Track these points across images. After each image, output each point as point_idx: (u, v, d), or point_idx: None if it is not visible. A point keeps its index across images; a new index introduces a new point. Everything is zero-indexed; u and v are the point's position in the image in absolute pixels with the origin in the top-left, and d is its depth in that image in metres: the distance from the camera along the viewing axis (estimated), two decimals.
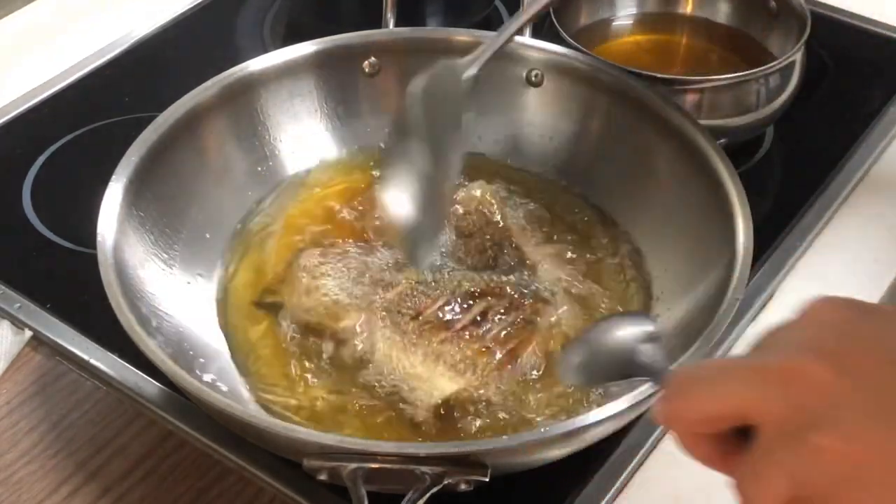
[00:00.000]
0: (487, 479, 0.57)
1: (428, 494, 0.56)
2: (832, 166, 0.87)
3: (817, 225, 0.82)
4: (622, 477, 0.66)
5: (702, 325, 0.63)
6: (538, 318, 0.71)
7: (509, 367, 0.68)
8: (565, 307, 0.72)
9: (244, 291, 0.75)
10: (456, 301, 0.71)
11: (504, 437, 0.64)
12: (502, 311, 0.71)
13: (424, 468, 0.56)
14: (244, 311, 0.73)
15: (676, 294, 0.72)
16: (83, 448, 0.69)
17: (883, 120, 0.91)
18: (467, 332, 0.69)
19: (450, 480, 0.56)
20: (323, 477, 0.58)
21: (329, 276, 0.73)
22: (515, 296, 0.72)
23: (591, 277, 0.75)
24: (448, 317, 0.70)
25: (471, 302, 0.71)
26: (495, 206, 0.78)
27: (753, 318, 0.76)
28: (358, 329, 0.70)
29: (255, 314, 0.73)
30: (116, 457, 0.68)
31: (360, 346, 0.69)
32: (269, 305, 0.73)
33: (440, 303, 0.71)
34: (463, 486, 0.57)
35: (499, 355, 0.68)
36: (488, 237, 0.76)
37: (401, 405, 0.67)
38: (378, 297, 0.71)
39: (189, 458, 0.68)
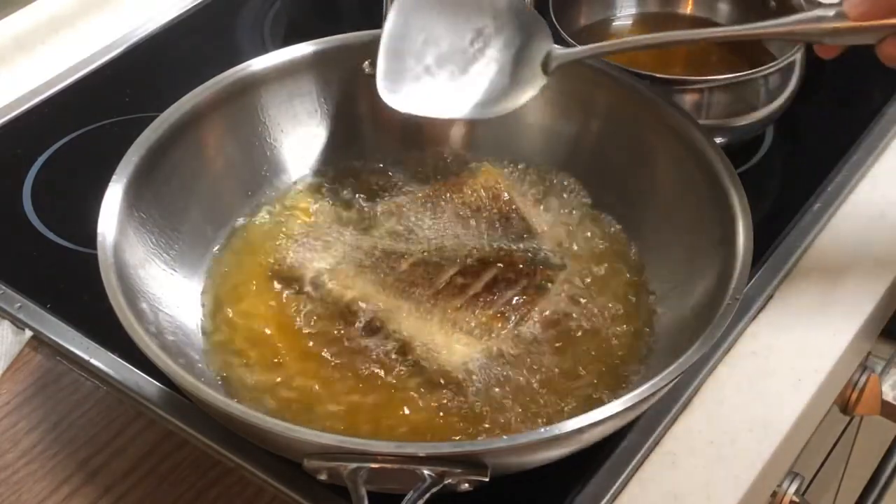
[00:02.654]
0: (487, 479, 0.57)
1: (428, 494, 0.56)
2: (832, 166, 0.87)
3: (817, 225, 0.82)
4: (622, 477, 0.66)
5: (702, 325, 0.63)
6: (549, 284, 0.73)
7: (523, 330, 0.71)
8: (574, 270, 0.75)
9: (244, 291, 0.75)
10: (468, 269, 0.74)
11: (504, 437, 0.64)
12: (513, 277, 0.74)
13: (424, 468, 0.56)
14: (244, 310, 0.74)
15: (676, 294, 0.72)
16: (83, 448, 0.69)
17: (883, 120, 0.91)
18: (481, 299, 0.72)
19: (450, 480, 0.56)
20: (323, 477, 0.58)
21: (339, 253, 0.75)
22: (525, 262, 0.74)
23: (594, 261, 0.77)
24: (461, 285, 0.73)
25: (481, 271, 0.74)
26: (501, 184, 0.79)
27: (753, 318, 0.76)
28: (374, 301, 0.71)
29: (256, 313, 0.73)
30: (116, 457, 0.68)
31: (376, 318, 0.71)
32: (284, 279, 0.75)
33: (452, 271, 0.74)
34: (463, 486, 0.57)
35: (513, 320, 0.71)
36: (496, 211, 0.78)
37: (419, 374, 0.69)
38: (391, 268, 0.74)
39: (189, 458, 0.68)
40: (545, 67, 0.76)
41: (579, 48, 0.77)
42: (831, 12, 0.68)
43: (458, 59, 0.77)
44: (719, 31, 0.78)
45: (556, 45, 0.76)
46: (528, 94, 0.76)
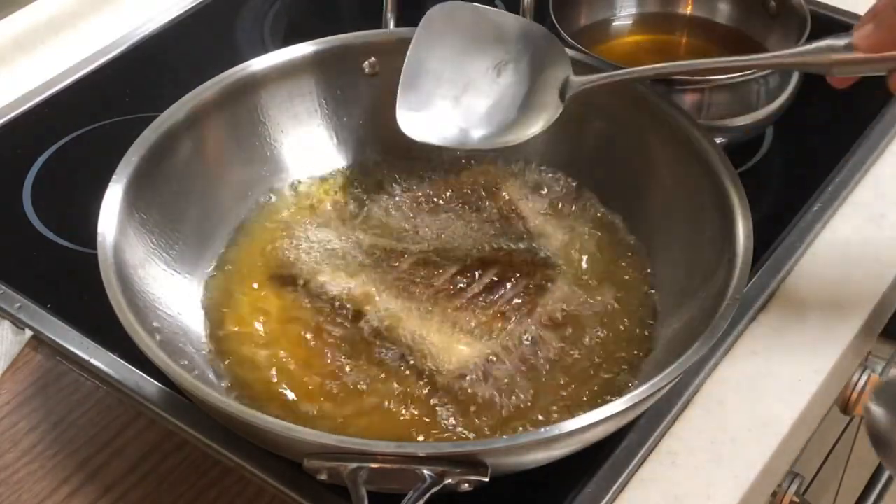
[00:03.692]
0: (487, 479, 0.57)
1: (428, 494, 0.56)
2: (832, 166, 0.87)
3: (817, 225, 0.82)
4: (622, 477, 0.66)
5: (702, 325, 0.63)
6: (549, 284, 0.73)
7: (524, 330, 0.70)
8: (574, 270, 0.75)
9: (245, 290, 0.75)
10: (468, 269, 0.74)
11: (504, 437, 0.64)
12: (513, 277, 0.74)
13: (424, 468, 0.56)
14: (245, 310, 0.73)
15: (676, 294, 0.72)
16: (83, 448, 0.69)
17: (883, 120, 0.91)
18: (481, 299, 0.72)
19: (450, 480, 0.56)
20: (323, 477, 0.58)
21: (339, 252, 0.75)
22: (525, 262, 0.74)
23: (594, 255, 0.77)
24: (461, 285, 0.73)
25: (481, 270, 0.74)
26: (501, 183, 0.80)
27: (753, 318, 0.76)
28: (375, 300, 0.72)
29: (256, 313, 0.73)
30: (116, 457, 0.68)
31: (376, 318, 0.71)
32: (284, 279, 0.75)
33: (452, 271, 0.74)
34: (463, 487, 0.57)
35: (513, 320, 0.71)
36: (496, 211, 0.78)
37: (419, 375, 0.68)
38: (391, 267, 0.74)
39: (189, 458, 0.68)
40: (562, 94, 0.76)
41: (597, 76, 0.76)
42: (842, 41, 0.67)
43: (477, 89, 0.77)
44: (729, 60, 0.77)
45: (574, 73, 0.76)
46: (545, 120, 0.76)
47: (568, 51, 0.81)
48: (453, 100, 0.77)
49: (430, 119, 0.76)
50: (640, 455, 0.67)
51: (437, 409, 0.67)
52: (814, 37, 0.84)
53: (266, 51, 0.84)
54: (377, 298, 0.72)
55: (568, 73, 0.76)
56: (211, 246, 0.77)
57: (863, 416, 0.60)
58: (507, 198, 0.78)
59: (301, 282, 0.74)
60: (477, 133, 0.76)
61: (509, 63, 0.77)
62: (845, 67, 0.67)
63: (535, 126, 0.76)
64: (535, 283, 0.74)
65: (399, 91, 0.77)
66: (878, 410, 0.59)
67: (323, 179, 0.83)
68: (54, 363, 0.74)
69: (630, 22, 0.96)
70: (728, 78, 0.81)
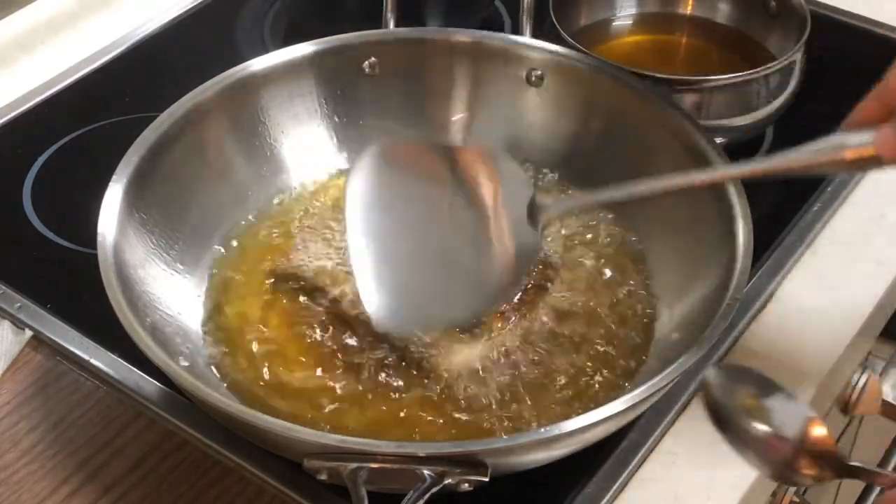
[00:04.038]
0: (487, 479, 0.57)
1: (428, 494, 0.56)
2: None
3: (817, 225, 0.82)
4: (622, 477, 0.66)
5: (702, 325, 0.63)
6: (549, 284, 0.73)
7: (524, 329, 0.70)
8: (574, 270, 0.75)
9: (245, 291, 0.75)
10: None
11: (504, 437, 0.64)
12: None
13: (424, 468, 0.56)
14: (245, 310, 0.73)
15: (676, 294, 0.72)
16: (83, 448, 0.69)
17: None
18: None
19: (450, 480, 0.56)
20: (323, 477, 0.58)
21: (339, 252, 0.75)
22: None
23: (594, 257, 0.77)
24: None
25: None
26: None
27: (753, 318, 0.76)
28: None
29: (256, 313, 0.73)
30: (116, 457, 0.68)
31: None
32: (284, 278, 0.74)
33: None
34: (463, 486, 0.57)
35: (513, 319, 0.70)
36: None
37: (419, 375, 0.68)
38: None
39: (189, 458, 0.68)
40: (532, 219, 0.67)
41: (570, 204, 0.68)
42: (854, 139, 0.60)
43: (438, 247, 0.67)
44: (736, 169, 0.66)
45: (541, 198, 0.67)
46: (525, 264, 0.68)
47: (567, 50, 0.81)
48: (422, 277, 0.67)
49: (411, 308, 0.67)
50: (640, 455, 0.67)
51: (437, 408, 0.67)
52: (814, 37, 0.84)
53: (266, 51, 0.84)
54: None
55: (529, 192, 0.66)
56: (211, 246, 0.77)
57: (702, 392, 0.58)
58: None
59: (301, 282, 0.74)
60: (463, 303, 0.68)
61: (462, 203, 0.66)
62: (859, 168, 0.61)
63: (521, 271, 0.68)
64: (535, 283, 0.74)
65: (357, 282, 0.66)
66: (716, 384, 0.57)
67: (323, 179, 0.83)
68: (54, 363, 0.74)
69: (630, 22, 0.96)
70: (728, 78, 0.81)
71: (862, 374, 0.82)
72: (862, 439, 1.07)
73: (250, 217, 0.79)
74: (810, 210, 0.83)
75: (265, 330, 0.72)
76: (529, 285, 0.73)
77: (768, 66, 0.82)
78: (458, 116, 0.84)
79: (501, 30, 1.00)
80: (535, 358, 0.70)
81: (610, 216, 0.79)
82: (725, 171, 0.67)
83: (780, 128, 0.90)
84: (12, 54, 1.00)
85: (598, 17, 0.95)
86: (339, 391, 0.68)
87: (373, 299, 0.66)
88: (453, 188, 0.66)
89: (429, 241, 0.66)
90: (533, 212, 0.65)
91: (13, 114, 0.93)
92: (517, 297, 0.70)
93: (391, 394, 0.68)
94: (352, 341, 0.70)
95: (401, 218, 0.65)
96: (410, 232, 0.66)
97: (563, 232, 0.78)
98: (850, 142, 0.59)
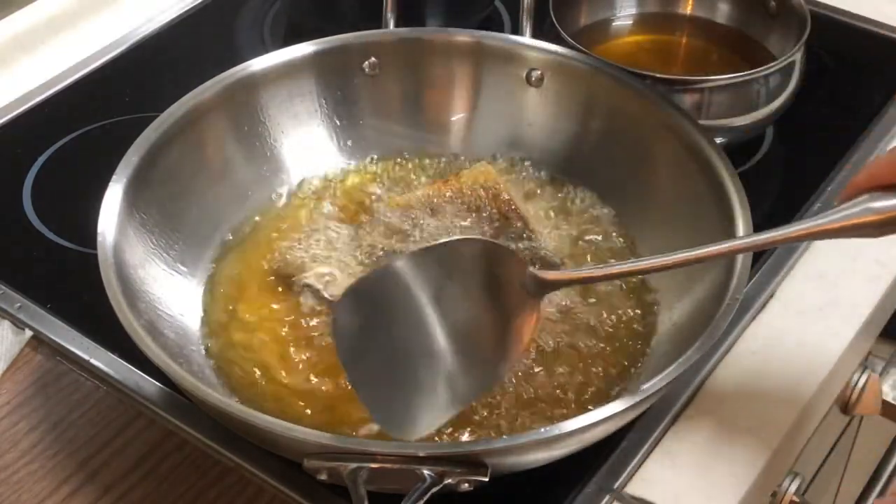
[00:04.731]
0: (487, 479, 0.57)
1: (428, 494, 0.56)
2: (832, 166, 0.87)
3: None
4: (622, 477, 0.66)
5: (702, 325, 0.63)
6: None
7: None
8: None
9: (245, 291, 0.75)
10: None
11: (504, 436, 0.64)
12: None
13: (424, 468, 0.56)
14: (245, 310, 0.73)
15: (676, 294, 0.72)
16: (83, 448, 0.69)
17: (883, 120, 0.91)
18: None
19: (450, 480, 0.56)
20: (323, 477, 0.58)
21: (339, 252, 0.75)
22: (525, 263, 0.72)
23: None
24: None
25: None
26: (501, 183, 0.79)
27: (753, 318, 0.76)
28: None
29: (256, 313, 0.73)
30: (116, 457, 0.68)
31: None
32: (284, 278, 0.74)
33: None
34: (463, 486, 0.57)
35: None
36: (495, 210, 0.78)
37: None
38: None
39: (189, 458, 0.68)
40: (529, 292, 0.65)
41: (567, 275, 0.67)
42: (878, 203, 0.58)
43: (443, 354, 0.65)
44: (762, 238, 0.62)
45: (534, 271, 0.65)
46: (527, 334, 0.65)
47: (567, 50, 0.81)
48: (425, 377, 0.65)
49: (421, 412, 0.64)
50: (640, 455, 0.67)
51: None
52: (814, 37, 0.84)
53: (266, 51, 0.84)
54: None
55: (521, 269, 0.64)
56: (211, 246, 0.77)
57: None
58: (506, 198, 0.78)
59: (301, 282, 0.74)
60: (470, 388, 0.65)
61: (453, 296, 0.64)
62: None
63: (523, 340, 0.65)
64: None
65: (364, 402, 0.64)
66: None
67: (323, 179, 0.83)
68: (54, 363, 0.74)
69: (630, 22, 0.96)
70: (728, 78, 0.81)
71: (862, 374, 0.82)
72: (862, 439, 1.07)
73: (250, 217, 0.79)
74: (810, 210, 0.83)
75: (265, 330, 0.72)
76: None
77: (768, 66, 0.82)
78: (458, 116, 0.84)
79: (501, 30, 1.00)
80: (535, 357, 0.70)
81: (610, 216, 0.79)
82: (751, 241, 0.64)
83: (780, 128, 0.90)
84: (12, 54, 1.00)
85: (598, 17, 0.95)
86: (339, 391, 0.68)
87: (384, 418, 0.64)
88: (441, 290, 0.64)
89: (427, 346, 0.64)
90: (531, 286, 0.64)
91: (13, 114, 0.93)
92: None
93: None
94: None
95: (394, 336, 0.64)
96: (407, 344, 0.64)
97: (562, 232, 0.78)
98: (876, 205, 0.59)
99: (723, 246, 0.63)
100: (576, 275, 0.69)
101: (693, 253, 0.62)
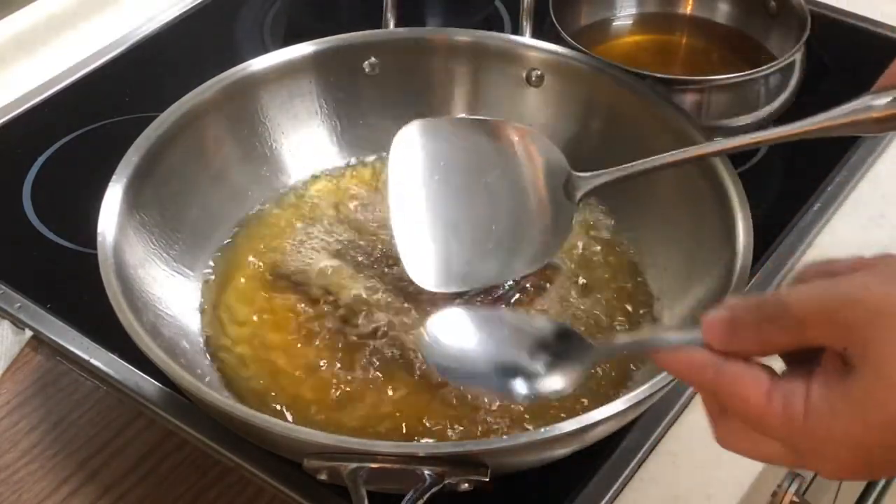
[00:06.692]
0: (487, 479, 0.57)
1: (428, 494, 0.56)
2: (832, 166, 0.87)
3: (817, 225, 0.82)
4: (622, 477, 0.66)
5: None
6: (548, 284, 0.73)
7: None
8: (573, 270, 0.75)
9: (245, 291, 0.75)
10: None
11: (504, 437, 0.64)
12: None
13: (424, 468, 0.56)
14: (244, 310, 0.73)
15: (676, 294, 0.72)
16: (83, 448, 0.69)
17: None
18: (479, 299, 0.72)
19: (450, 480, 0.56)
20: (323, 477, 0.58)
21: (339, 252, 0.76)
22: None
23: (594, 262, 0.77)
24: None
25: None
26: None
27: None
28: (374, 299, 0.72)
29: (256, 313, 0.73)
30: (116, 457, 0.68)
31: (375, 317, 0.71)
32: (284, 279, 0.75)
33: None
34: (463, 486, 0.57)
35: None
36: None
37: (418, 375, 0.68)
38: (390, 267, 0.74)
39: (189, 458, 0.68)
40: (568, 193, 0.71)
41: (604, 174, 0.71)
42: (881, 100, 0.62)
43: (477, 218, 0.71)
44: (771, 133, 0.68)
45: (576, 173, 0.70)
46: (564, 229, 0.70)
47: (567, 50, 0.81)
48: (459, 242, 0.71)
49: (447, 271, 0.71)
50: (640, 455, 0.67)
51: (436, 409, 0.67)
52: (814, 37, 0.84)
53: (266, 51, 0.84)
54: (377, 297, 0.72)
55: (565, 168, 0.70)
56: (210, 246, 0.77)
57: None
58: None
59: (301, 282, 0.74)
60: (500, 267, 0.72)
61: (498, 175, 0.70)
62: (890, 125, 0.62)
63: (557, 242, 0.71)
64: (534, 284, 0.73)
65: (398, 247, 0.71)
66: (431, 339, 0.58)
67: (323, 179, 0.83)
68: (54, 363, 0.74)
69: (630, 22, 0.96)
70: (728, 78, 0.81)
71: None
72: None
73: (250, 217, 0.79)
74: (810, 210, 0.83)
75: (265, 329, 0.72)
76: (529, 286, 0.73)
77: (768, 65, 0.82)
78: (458, 116, 0.84)
79: (501, 30, 1.00)
80: None
81: (610, 216, 0.79)
82: (762, 136, 0.69)
83: None
84: (12, 54, 1.00)
85: (598, 17, 0.95)
86: (339, 390, 0.68)
87: (412, 261, 0.70)
88: (492, 160, 0.70)
89: (468, 209, 0.69)
90: (569, 186, 0.69)
91: (13, 114, 0.93)
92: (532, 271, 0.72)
93: (391, 392, 0.68)
94: (352, 339, 0.70)
95: (441, 187, 0.69)
96: (450, 200, 0.69)
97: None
98: (878, 103, 0.61)
99: (735, 141, 0.67)
100: (609, 175, 0.71)
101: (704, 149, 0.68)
